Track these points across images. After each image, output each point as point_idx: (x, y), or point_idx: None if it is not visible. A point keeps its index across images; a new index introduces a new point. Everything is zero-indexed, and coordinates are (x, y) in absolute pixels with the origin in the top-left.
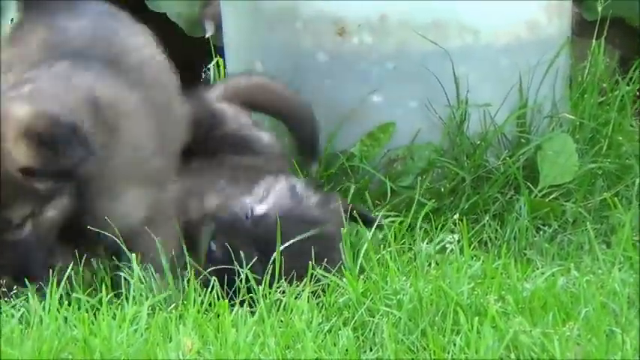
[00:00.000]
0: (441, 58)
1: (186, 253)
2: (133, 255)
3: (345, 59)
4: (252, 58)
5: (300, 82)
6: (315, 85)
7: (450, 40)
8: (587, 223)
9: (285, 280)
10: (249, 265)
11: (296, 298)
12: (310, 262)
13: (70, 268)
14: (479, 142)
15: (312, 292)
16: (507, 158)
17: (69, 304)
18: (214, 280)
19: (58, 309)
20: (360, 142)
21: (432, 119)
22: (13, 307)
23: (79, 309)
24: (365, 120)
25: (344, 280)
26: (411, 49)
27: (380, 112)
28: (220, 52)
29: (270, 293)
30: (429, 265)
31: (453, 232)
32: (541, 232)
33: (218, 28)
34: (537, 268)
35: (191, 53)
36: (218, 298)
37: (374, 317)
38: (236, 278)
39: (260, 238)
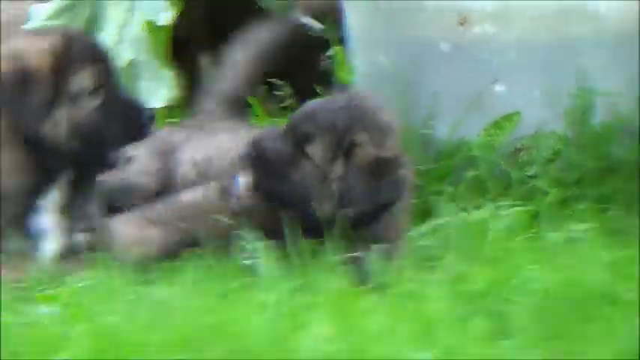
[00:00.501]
0: (565, 46)
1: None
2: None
3: (467, 49)
4: (376, 51)
5: (423, 72)
6: (439, 75)
7: (574, 27)
8: None
9: None
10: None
11: (429, 286)
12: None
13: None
14: (603, 132)
15: (440, 281)
16: (634, 148)
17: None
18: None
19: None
20: (484, 132)
21: (556, 108)
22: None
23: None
24: (488, 110)
25: (474, 268)
26: (533, 37)
27: (503, 101)
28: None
29: (400, 282)
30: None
31: (581, 221)
32: None
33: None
34: None
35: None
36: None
37: (507, 307)
38: None
39: None
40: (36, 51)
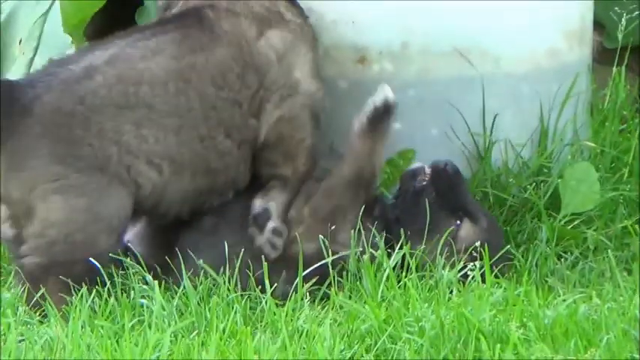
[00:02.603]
0: (462, 85)
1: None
2: (155, 282)
3: (366, 87)
4: None
5: None
6: (337, 112)
7: (471, 67)
8: (609, 250)
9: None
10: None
11: (318, 325)
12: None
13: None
14: (501, 172)
15: (333, 320)
16: (529, 187)
17: (91, 331)
18: (236, 307)
19: (80, 336)
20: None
21: (453, 147)
22: (36, 333)
23: (101, 336)
24: (385, 147)
25: (366, 307)
26: (431, 76)
27: (400, 139)
28: None
29: (292, 320)
30: (451, 292)
31: (474, 259)
32: (563, 260)
33: None
34: (559, 295)
35: None
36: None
37: (396, 344)
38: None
39: None
40: None
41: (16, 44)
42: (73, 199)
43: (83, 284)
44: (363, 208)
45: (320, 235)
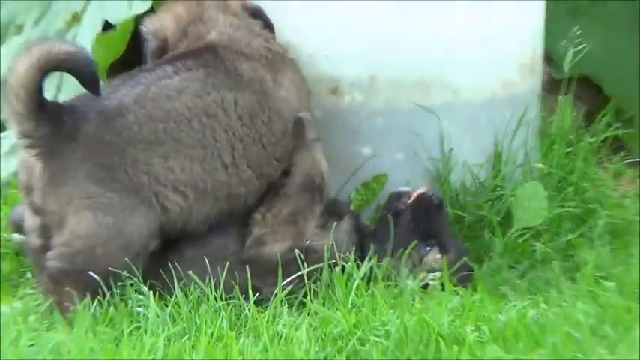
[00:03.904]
0: (425, 114)
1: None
2: (150, 292)
3: (339, 116)
4: None
5: None
6: None
7: (434, 97)
8: (555, 261)
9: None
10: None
11: (296, 329)
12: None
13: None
14: (460, 192)
15: (309, 324)
16: (485, 205)
17: (94, 336)
18: (223, 313)
19: (84, 340)
20: (356, 192)
21: (417, 170)
22: (45, 339)
23: (103, 340)
24: (359, 171)
25: (338, 313)
26: (397, 105)
27: (370, 162)
28: None
29: (272, 325)
30: (414, 299)
31: (434, 269)
32: (514, 270)
33: None
34: (510, 302)
35: None
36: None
37: (365, 346)
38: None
39: None
40: None
41: None
42: (101, 216)
43: (94, 291)
44: (321, 209)
45: (287, 235)
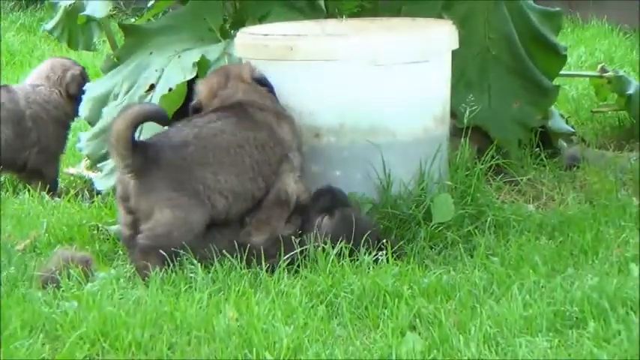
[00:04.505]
0: (375, 149)
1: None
2: (198, 263)
3: (319, 151)
4: None
5: None
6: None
7: (380, 138)
8: (460, 244)
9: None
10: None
11: (292, 288)
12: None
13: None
14: (397, 198)
15: (301, 284)
16: (413, 206)
17: (162, 292)
18: (245, 277)
19: (155, 295)
20: None
21: (370, 185)
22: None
23: (167, 295)
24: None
25: (320, 277)
26: (358, 144)
27: (340, 181)
28: None
29: (278, 284)
30: (369, 268)
31: (383, 249)
32: (433, 249)
33: None
34: (431, 270)
35: None
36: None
37: (337, 299)
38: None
39: None
40: None
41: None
42: (177, 211)
43: (163, 262)
44: (288, 215)
45: (265, 231)
